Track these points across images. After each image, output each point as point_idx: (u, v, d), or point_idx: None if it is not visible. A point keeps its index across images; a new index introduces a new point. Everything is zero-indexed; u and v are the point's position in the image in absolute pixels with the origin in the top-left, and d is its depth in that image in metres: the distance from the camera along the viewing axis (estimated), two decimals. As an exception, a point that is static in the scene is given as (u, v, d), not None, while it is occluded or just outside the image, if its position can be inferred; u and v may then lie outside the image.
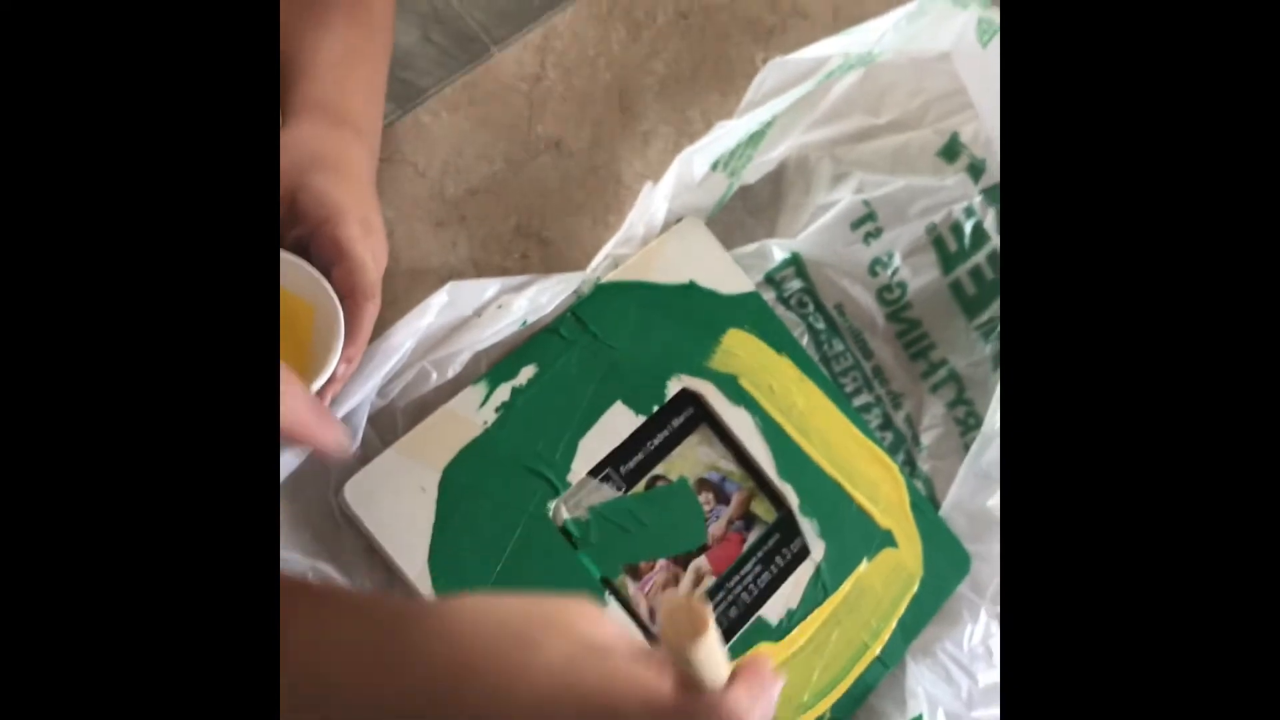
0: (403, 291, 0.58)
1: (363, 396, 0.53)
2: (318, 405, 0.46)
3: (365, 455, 0.54)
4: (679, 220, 0.64)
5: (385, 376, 0.54)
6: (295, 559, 0.51)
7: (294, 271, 0.49)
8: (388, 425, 0.55)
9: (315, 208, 0.50)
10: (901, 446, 0.67)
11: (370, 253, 0.50)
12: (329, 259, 0.50)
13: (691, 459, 0.59)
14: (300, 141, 0.53)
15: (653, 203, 0.62)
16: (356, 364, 0.50)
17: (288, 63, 0.56)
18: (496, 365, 0.57)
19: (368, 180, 0.54)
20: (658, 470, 0.58)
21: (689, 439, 0.60)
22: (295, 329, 0.50)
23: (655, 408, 0.59)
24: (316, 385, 0.48)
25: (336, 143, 0.54)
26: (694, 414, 0.60)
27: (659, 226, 0.63)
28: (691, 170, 0.63)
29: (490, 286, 0.57)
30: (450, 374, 0.56)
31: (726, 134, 0.62)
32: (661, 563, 0.57)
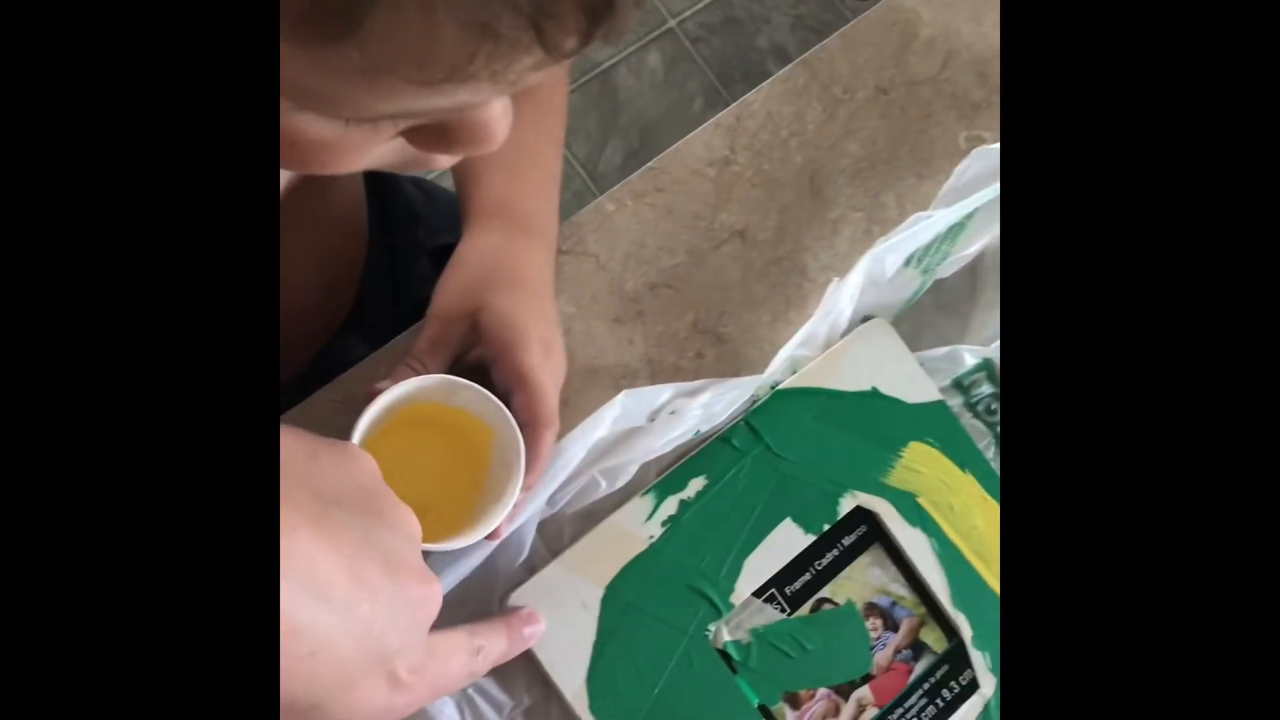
0: (575, 391, 0.57)
1: (533, 508, 0.53)
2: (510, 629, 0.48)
3: (532, 565, 0.54)
4: (864, 320, 0.61)
5: (555, 487, 0.54)
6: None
7: (474, 397, 0.49)
8: (554, 534, 0.55)
9: (498, 330, 0.50)
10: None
11: (550, 377, 0.50)
12: (510, 384, 0.50)
13: (860, 581, 0.57)
14: (482, 253, 0.53)
15: (838, 302, 0.59)
16: (535, 491, 0.50)
17: (461, 164, 0.56)
18: (665, 476, 0.56)
19: (548, 293, 0.54)
20: (825, 592, 0.57)
21: (859, 559, 0.57)
22: (474, 452, 0.51)
23: (826, 526, 0.57)
24: (500, 518, 0.48)
25: (518, 254, 0.53)
26: (867, 533, 0.58)
27: (843, 328, 0.60)
28: (883, 267, 0.59)
29: (664, 392, 0.56)
30: (619, 484, 0.55)
31: (924, 227, 0.59)
32: (822, 691, 0.55)
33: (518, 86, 0.29)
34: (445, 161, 0.37)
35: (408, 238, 0.76)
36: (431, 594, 0.38)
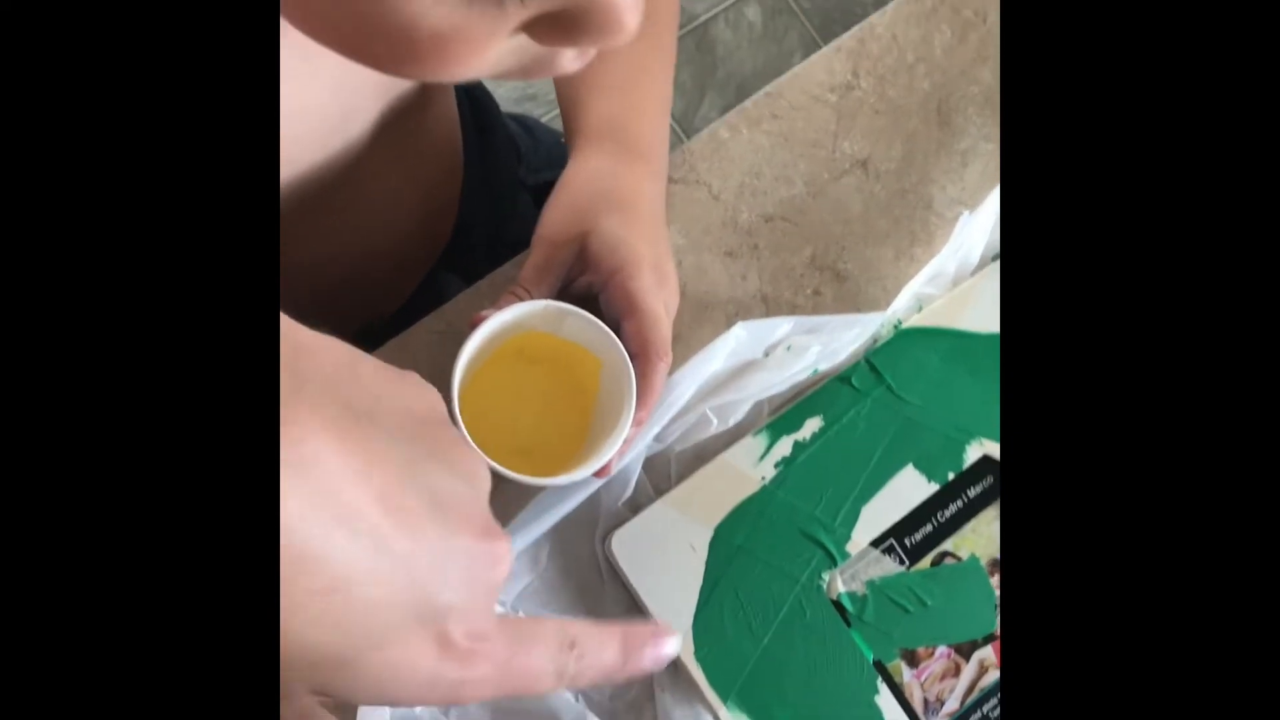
0: (686, 327, 0.55)
1: (641, 444, 0.50)
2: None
3: (636, 503, 0.51)
4: (996, 258, 0.57)
5: (665, 423, 0.51)
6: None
7: (582, 325, 0.46)
8: (661, 472, 0.52)
9: (607, 255, 0.47)
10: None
11: (663, 305, 0.47)
12: (620, 311, 0.47)
13: (986, 536, 0.53)
14: (590, 177, 0.50)
15: (969, 237, 0.55)
16: (646, 424, 0.48)
17: (572, 81, 0.53)
18: (780, 415, 0.53)
19: (660, 219, 0.51)
20: (947, 545, 0.53)
21: (985, 513, 0.54)
22: (582, 384, 0.48)
23: (951, 475, 0.53)
24: (611, 453, 0.45)
25: (628, 178, 0.50)
26: (993, 485, 0.54)
27: (973, 265, 0.56)
28: (1016, 201, 0.55)
29: (781, 326, 0.52)
30: (731, 422, 0.52)
31: (1061, 160, 0.54)
32: (942, 650, 0.52)
33: None
34: (571, 62, 0.34)
35: (508, 174, 0.73)
36: (497, 551, 0.29)
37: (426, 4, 0.28)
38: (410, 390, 0.30)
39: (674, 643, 0.33)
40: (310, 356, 0.26)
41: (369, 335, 0.65)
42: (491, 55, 0.31)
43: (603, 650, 0.32)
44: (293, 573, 0.23)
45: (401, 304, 0.69)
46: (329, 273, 0.59)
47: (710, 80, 1.64)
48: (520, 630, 0.30)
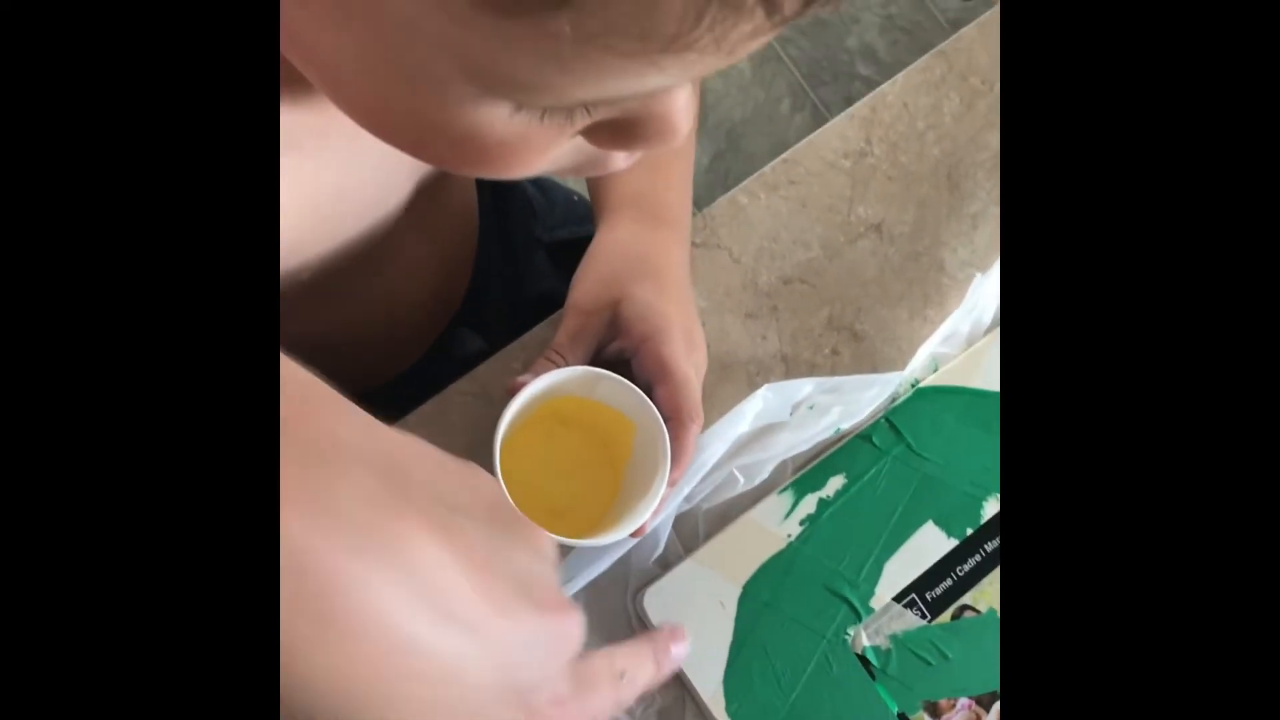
0: (709, 387, 0.56)
1: (671, 506, 0.52)
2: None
3: (666, 561, 0.53)
4: (1006, 317, 0.59)
5: (695, 483, 0.52)
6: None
7: (616, 389, 0.48)
8: (689, 530, 0.54)
9: (639, 322, 0.49)
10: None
11: (693, 368, 0.49)
12: (652, 376, 0.49)
13: (1003, 588, 0.55)
14: (620, 246, 0.52)
15: (981, 298, 0.57)
16: (678, 486, 0.49)
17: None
18: (803, 474, 0.55)
19: (687, 284, 0.53)
20: (966, 599, 0.55)
21: (1002, 566, 0.55)
22: (616, 447, 0.50)
23: (969, 530, 0.55)
24: (647, 514, 0.47)
25: (657, 245, 0.52)
26: (1010, 538, 0.56)
27: (986, 325, 0.58)
28: (1025, 264, 0.57)
29: (804, 386, 0.54)
30: (757, 480, 0.54)
31: (1068, 224, 0.57)
32: (963, 702, 0.53)
33: (734, 57, 0.27)
34: (622, 161, 0.35)
35: (524, 231, 0.75)
36: (573, 625, 0.32)
37: (494, 112, 0.30)
38: (479, 479, 0.32)
39: (686, 636, 0.39)
40: (404, 457, 0.28)
41: (390, 391, 0.67)
42: (551, 158, 0.32)
43: (643, 668, 0.37)
44: (399, 663, 0.25)
45: (419, 358, 0.71)
46: (353, 335, 0.60)
47: (701, 127, 1.67)
48: (582, 678, 0.32)
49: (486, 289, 0.72)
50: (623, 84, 0.28)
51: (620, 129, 0.32)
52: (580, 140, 0.33)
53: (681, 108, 0.32)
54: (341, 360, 0.58)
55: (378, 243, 0.54)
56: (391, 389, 0.69)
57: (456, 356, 0.69)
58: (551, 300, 0.56)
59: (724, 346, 0.57)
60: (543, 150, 0.32)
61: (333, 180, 0.47)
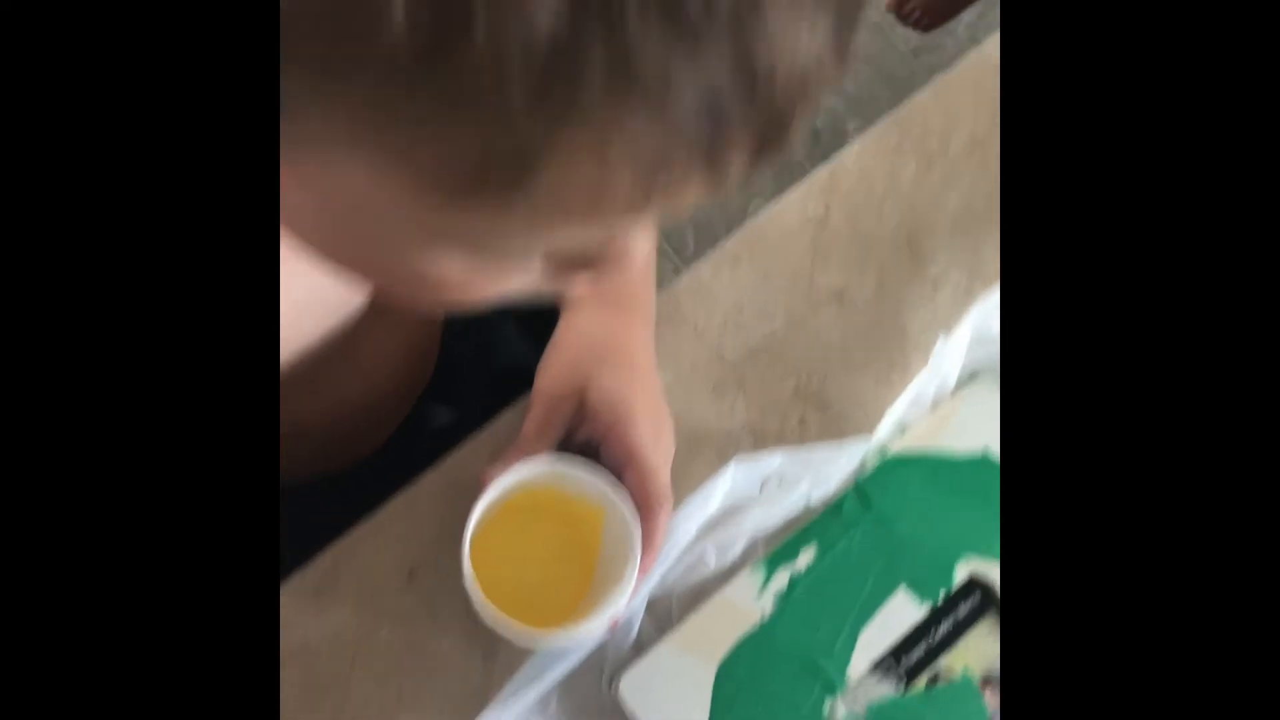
0: (678, 463, 0.56)
1: (644, 591, 0.52)
2: None
3: (639, 643, 0.53)
4: (972, 378, 0.60)
5: (667, 566, 0.53)
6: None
7: (585, 478, 0.48)
8: (663, 612, 0.54)
9: (605, 410, 0.49)
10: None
11: (662, 454, 0.49)
12: (619, 462, 0.49)
13: (977, 652, 0.55)
14: (584, 333, 0.52)
15: (945, 360, 0.58)
16: (650, 573, 0.49)
17: None
18: (775, 549, 0.55)
19: (652, 368, 0.53)
20: (941, 662, 0.55)
21: (976, 629, 0.56)
22: (586, 534, 0.50)
23: (941, 593, 0.56)
24: (620, 604, 0.47)
25: (621, 330, 0.53)
26: (982, 601, 0.56)
27: (951, 387, 0.59)
28: (989, 325, 0.58)
29: (773, 459, 0.54)
30: (729, 558, 0.54)
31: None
32: (943, 770, 0.54)
33: (682, 214, 0.28)
34: (580, 285, 0.36)
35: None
36: None
37: (453, 261, 0.30)
38: None
39: None
40: None
41: (363, 468, 0.67)
42: (511, 288, 0.33)
43: None
44: None
45: (392, 432, 0.71)
46: (323, 425, 0.61)
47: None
48: None
49: (457, 363, 0.73)
50: (579, 236, 0.29)
51: (579, 260, 0.33)
52: (537, 269, 0.34)
53: (639, 243, 0.33)
54: (314, 444, 0.58)
55: (342, 341, 0.54)
56: (363, 466, 0.69)
57: (428, 430, 0.69)
58: (521, 373, 0.57)
59: (691, 421, 0.58)
60: (505, 283, 0.33)
61: (302, 284, 0.47)
